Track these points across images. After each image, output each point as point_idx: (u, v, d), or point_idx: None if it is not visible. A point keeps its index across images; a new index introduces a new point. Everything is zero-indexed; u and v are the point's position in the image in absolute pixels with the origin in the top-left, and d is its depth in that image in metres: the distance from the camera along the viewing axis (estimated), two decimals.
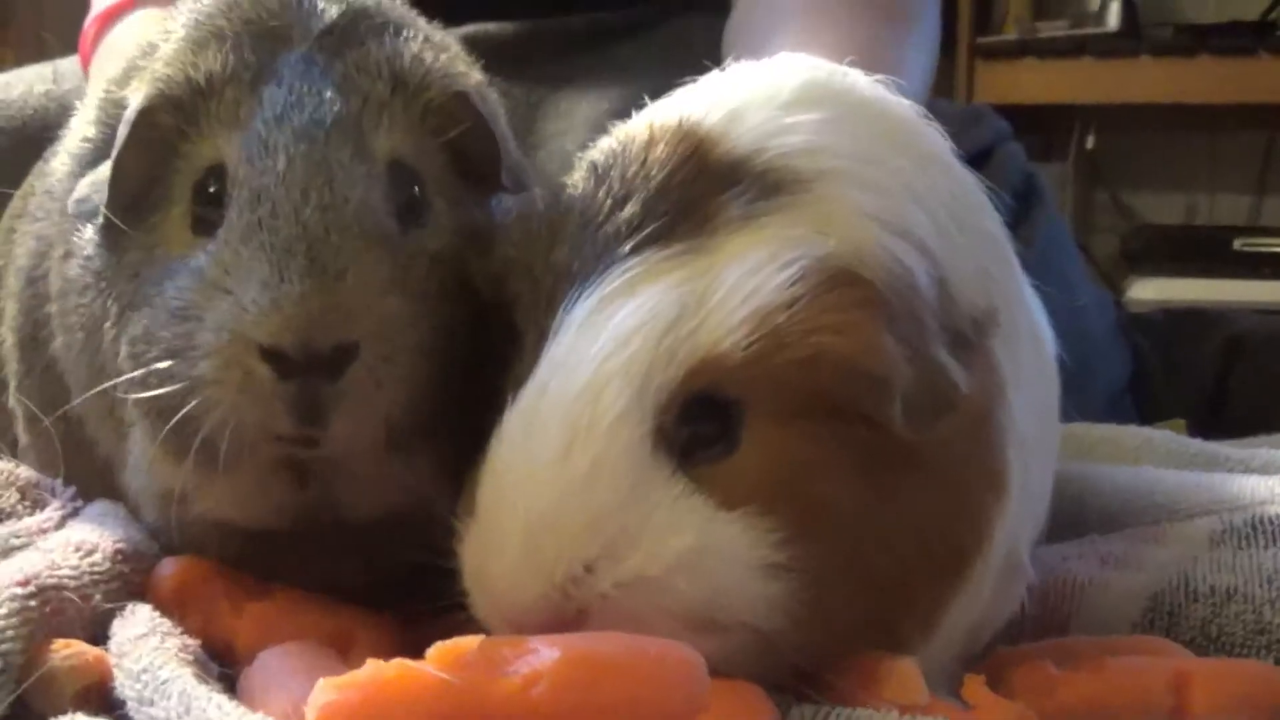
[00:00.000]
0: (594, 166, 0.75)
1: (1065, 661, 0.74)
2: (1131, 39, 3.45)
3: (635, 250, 0.70)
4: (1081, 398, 1.51)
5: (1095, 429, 1.22)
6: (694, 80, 0.83)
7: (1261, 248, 3.37)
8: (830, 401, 0.67)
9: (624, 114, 0.83)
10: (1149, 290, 3.24)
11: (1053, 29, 3.56)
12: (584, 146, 1.45)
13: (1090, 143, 3.65)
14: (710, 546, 0.67)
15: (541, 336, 0.70)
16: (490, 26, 1.54)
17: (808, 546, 0.67)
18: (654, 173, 0.72)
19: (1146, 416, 1.61)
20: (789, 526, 0.67)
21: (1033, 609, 0.85)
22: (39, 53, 2.78)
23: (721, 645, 0.66)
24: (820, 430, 0.68)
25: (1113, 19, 3.49)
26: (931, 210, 0.73)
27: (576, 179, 0.76)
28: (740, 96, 0.76)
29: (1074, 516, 1.01)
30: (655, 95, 0.86)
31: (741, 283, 0.67)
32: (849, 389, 0.67)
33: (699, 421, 0.68)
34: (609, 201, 0.72)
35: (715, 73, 0.82)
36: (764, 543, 0.67)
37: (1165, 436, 1.21)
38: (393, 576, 0.84)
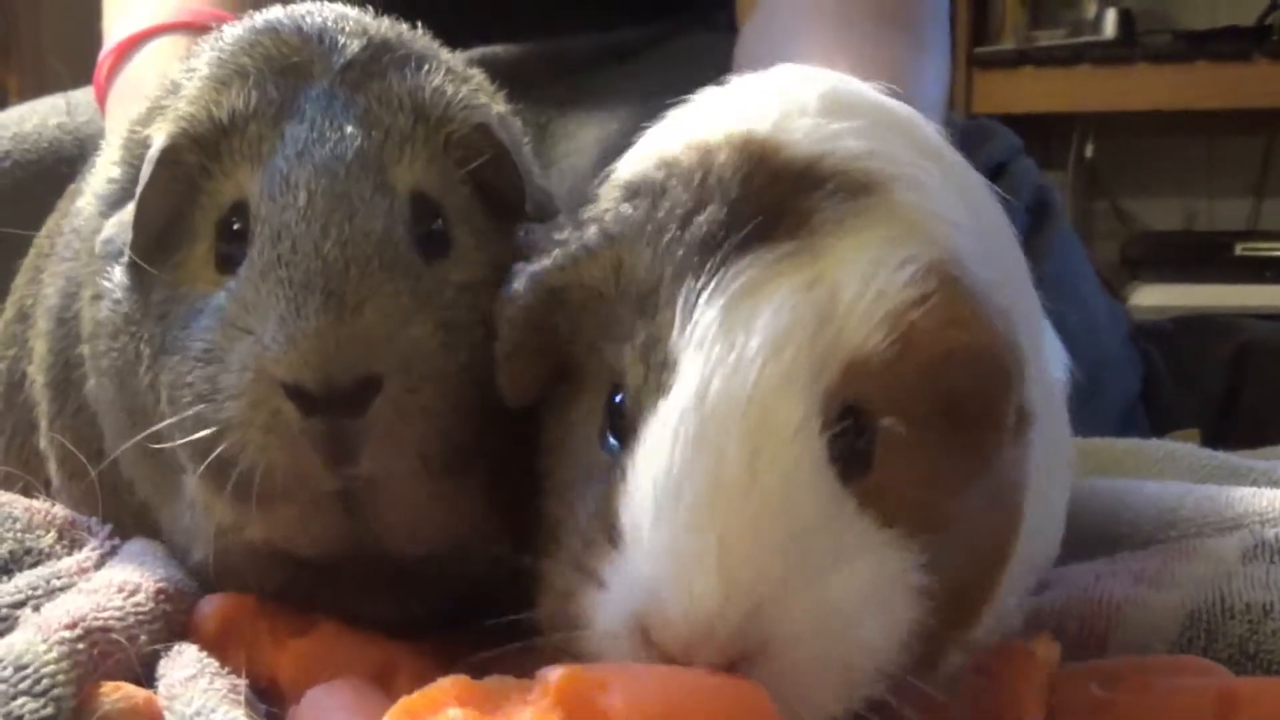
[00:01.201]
0: (640, 185, 0.74)
1: (1108, 683, 0.75)
2: (1128, 46, 3.46)
3: (740, 252, 0.67)
4: (1096, 410, 1.53)
5: (1118, 443, 1.22)
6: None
7: (1262, 252, 3.38)
8: (953, 404, 0.66)
9: (633, 134, 0.83)
10: (1151, 297, 3.24)
11: (1050, 38, 3.58)
12: (594, 166, 1.47)
13: (1089, 151, 3.66)
14: (884, 572, 0.64)
15: (650, 349, 0.67)
16: (498, 49, 1.55)
17: (939, 567, 0.66)
18: (728, 177, 0.70)
19: (1158, 426, 1.62)
20: (929, 548, 0.65)
21: (1070, 628, 0.86)
22: (40, 78, 2.79)
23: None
24: (943, 439, 0.67)
25: (1109, 27, 3.50)
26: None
27: (613, 200, 0.75)
28: (771, 106, 0.75)
29: (1103, 532, 1.01)
30: (663, 115, 0.86)
31: (866, 285, 0.66)
32: (978, 384, 0.66)
33: (848, 433, 0.65)
34: (680, 210, 0.70)
35: (714, 89, 0.82)
36: (913, 566, 0.65)
37: (1187, 449, 1.21)
38: (434, 609, 0.84)
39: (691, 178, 0.71)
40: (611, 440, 0.69)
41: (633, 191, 0.74)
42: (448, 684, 0.63)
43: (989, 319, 0.67)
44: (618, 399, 0.69)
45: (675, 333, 0.66)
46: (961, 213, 0.73)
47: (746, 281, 0.66)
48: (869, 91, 0.80)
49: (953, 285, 0.67)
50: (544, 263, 0.74)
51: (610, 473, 0.67)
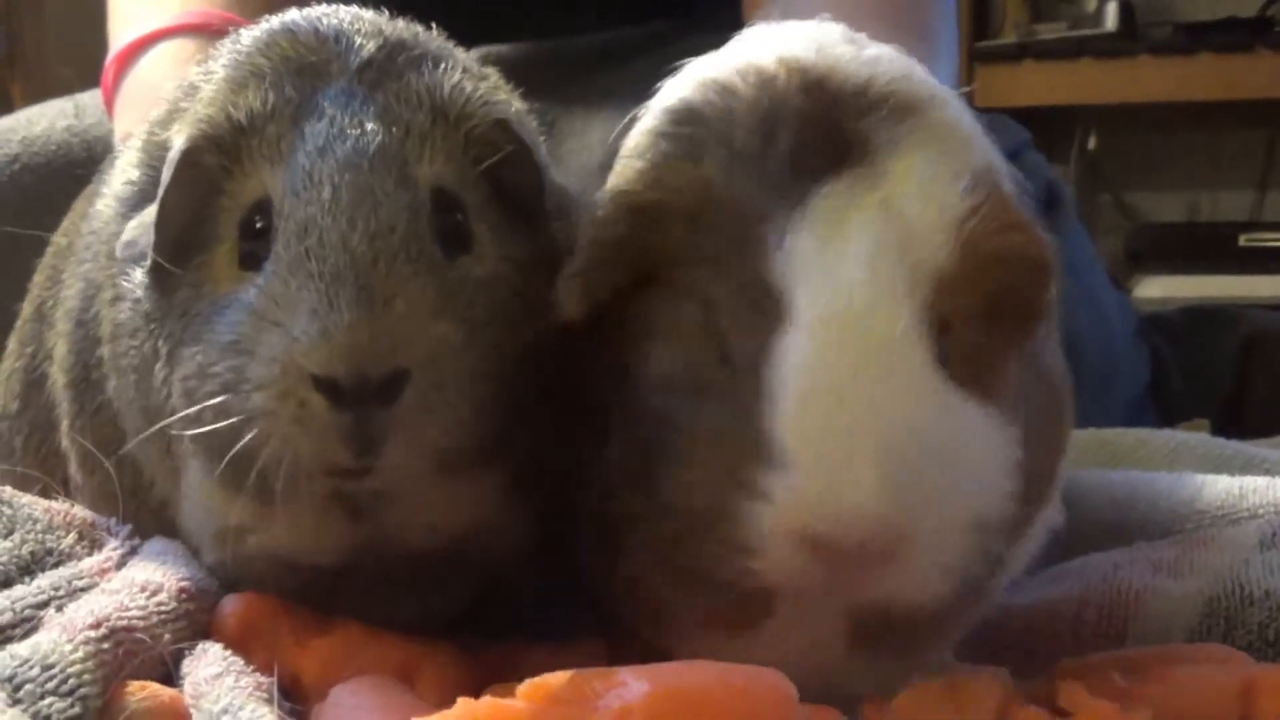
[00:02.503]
0: (699, 110, 0.76)
1: (1130, 672, 0.75)
2: (1130, 39, 3.46)
3: (816, 180, 0.72)
4: (1106, 402, 1.53)
5: (1129, 434, 1.22)
6: None
7: (1265, 243, 3.38)
8: (1008, 298, 0.74)
9: None
10: (1154, 289, 3.25)
11: (1051, 31, 3.57)
12: (601, 165, 1.47)
13: (1091, 144, 3.66)
14: (998, 449, 0.72)
15: (751, 277, 0.71)
16: (502, 48, 1.55)
17: (1024, 444, 0.73)
18: (792, 103, 0.74)
19: (1167, 417, 1.62)
20: (1016, 425, 0.73)
21: (1089, 617, 0.86)
22: (45, 84, 2.79)
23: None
24: (999, 328, 0.74)
25: (1110, 20, 3.50)
26: None
27: (667, 124, 0.77)
28: (808, 37, 0.79)
29: (1120, 523, 1.01)
30: None
31: (929, 201, 0.72)
32: (1028, 280, 0.74)
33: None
34: (754, 138, 0.73)
35: (740, 34, 0.85)
36: (1014, 441, 0.73)
37: (1199, 439, 1.21)
38: (455, 606, 0.84)
39: (757, 104, 0.74)
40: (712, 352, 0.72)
41: (691, 117, 0.76)
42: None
43: (1031, 221, 0.75)
44: (720, 321, 0.72)
45: (777, 263, 0.70)
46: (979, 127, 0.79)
47: (830, 213, 0.71)
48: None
49: (999, 193, 0.74)
50: (629, 182, 0.76)
51: (736, 391, 0.70)
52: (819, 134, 0.73)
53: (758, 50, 0.78)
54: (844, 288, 0.69)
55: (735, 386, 0.70)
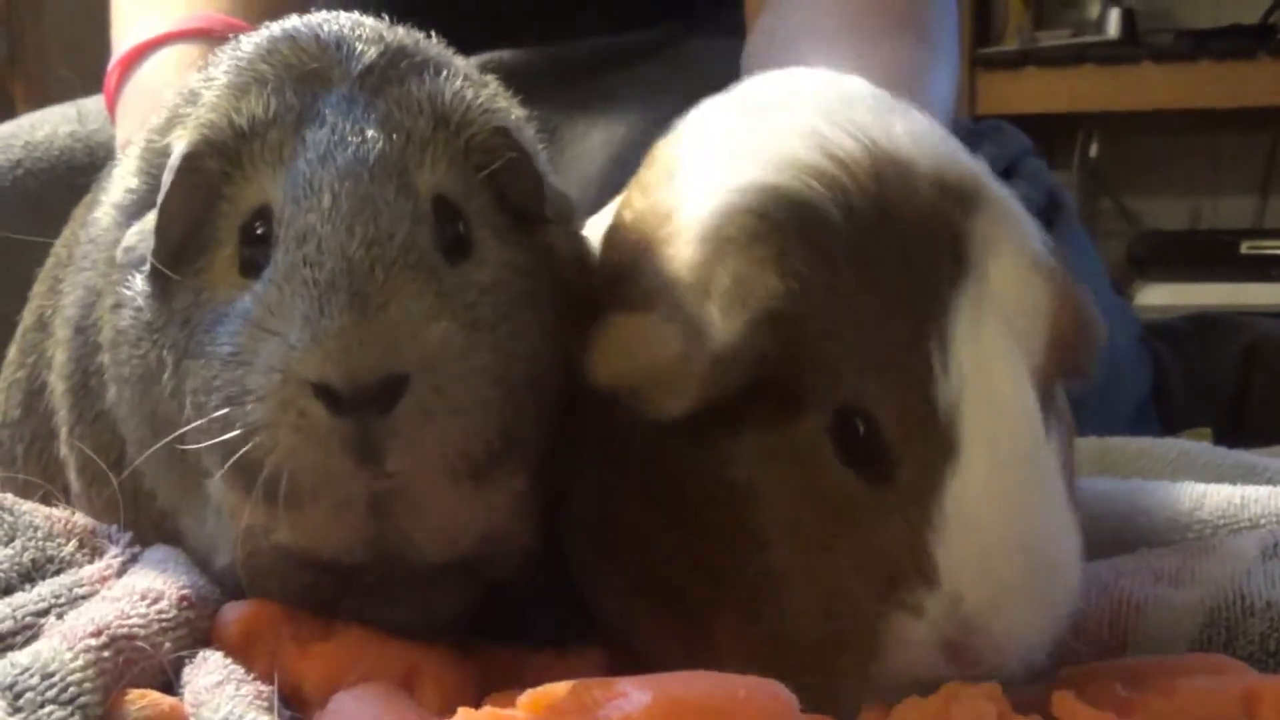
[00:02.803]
0: (788, 197, 0.73)
1: (1132, 682, 0.74)
2: (1132, 46, 3.46)
3: (950, 287, 0.71)
4: (1109, 409, 1.52)
5: (1132, 442, 1.22)
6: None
7: (1267, 250, 3.38)
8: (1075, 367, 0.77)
9: (639, 137, 0.84)
10: (1156, 296, 3.24)
11: (1053, 38, 3.58)
12: (602, 171, 1.47)
13: (1093, 150, 3.66)
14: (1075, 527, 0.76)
15: (919, 397, 0.70)
16: (503, 54, 1.55)
17: None
18: (912, 204, 0.73)
19: (1169, 425, 1.62)
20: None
21: (1090, 627, 0.86)
22: (46, 88, 2.79)
23: None
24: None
25: (1112, 27, 3.50)
26: None
27: (757, 219, 0.74)
28: (865, 109, 0.78)
29: (1121, 531, 1.01)
30: (670, 118, 0.87)
31: (1026, 300, 0.73)
32: (1086, 352, 0.77)
33: None
34: (867, 235, 0.72)
35: (756, 88, 0.85)
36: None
37: (1201, 448, 1.21)
38: (459, 613, 0.84)
39: (877, 204, 0.73)
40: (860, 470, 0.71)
41: (809, 217, 0.73)
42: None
43: (1082, 293, 0.77)
44: (858, 427, 0.71)
45: (940, 384, 0.70)
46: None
47: (970, 323, 0.71)
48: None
49: (1061, 273, 0.75)
50: (762, 293, 0.72)
51: (886, 508, 0.70)
52: (936, 236, 0.72)
53: (837, 127, 0.76)
54: (1002, 407, 0.71)
55: (886, 504, 0.70)
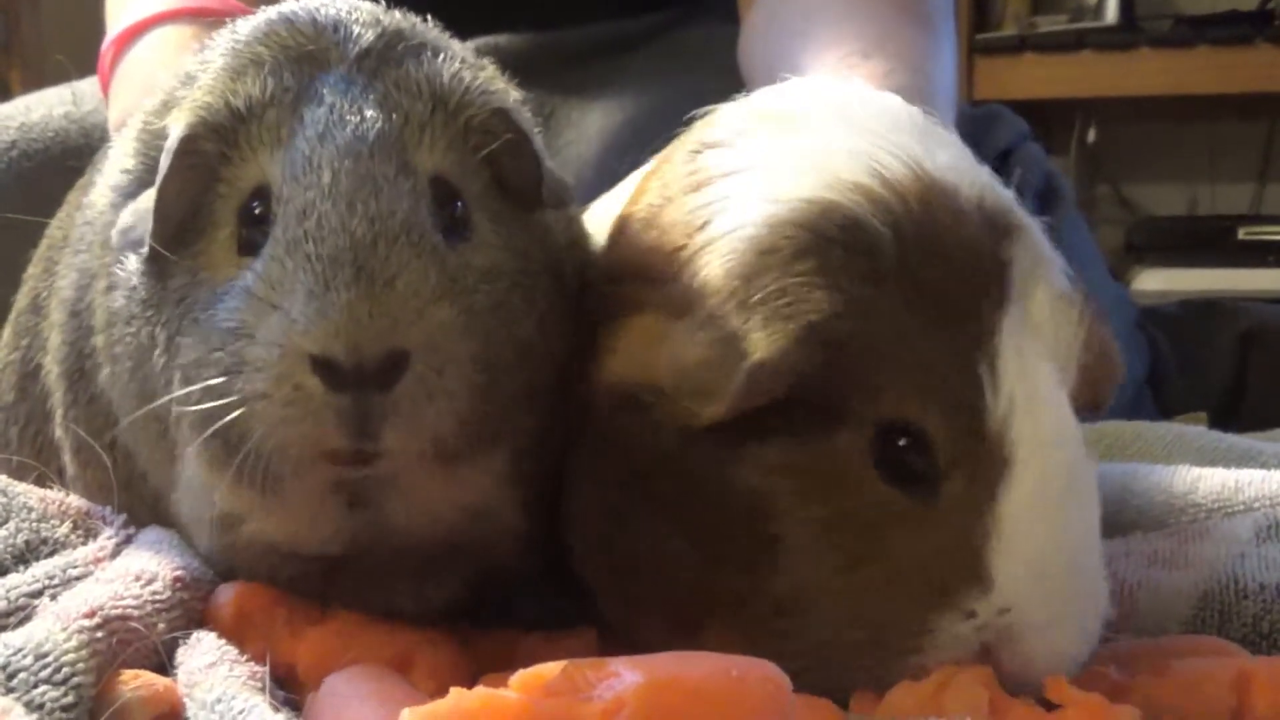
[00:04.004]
0: (862, 220, 0.73)
1: (1126, 665, 0.75)
2: (1130, 32, 3.45)
3: (995, 309, 0.73)
4: None
5: (1127, 427, 1.22)
6: (705, 87, 0.86)
7: (1264, 236, 3.37)
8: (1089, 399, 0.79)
9: (635, 123, 0.84)
10: (1154, 282, 3.24)
11: (1051, 24, 3.57)
12: (597, 156, 1.47)
13: (1091, 136, 3.65)
14: None
15: (972, 415, 0.71)
16: (500, 39, 1.55)
17: None
18: (943, 223, 0.74)
19: (1164, 410, 1.62)
20: None
21: None
22: (42, 72, 2.78)
23: None
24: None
25: (1111, 12, 3.49)
26: None
27: (805, 235, 0.74)
28: (903, 134, 0.78)
29: (1114, 517, 1.01)
30: (666, 103, 0.87)
31: (1063, 326, 0.75)
32: (1107, 382, 0.80)
33: None
34: (913, 257, 0.73)
35: (789, 98, 0.85)
36: None
37: (1196, 432, 1.21)
38: (451, 598, 0.84)
39: (911, 216, 0.74)
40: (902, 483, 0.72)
41: (857, 234, 0.73)
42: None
43: (1104, 323, 0.79)
44: (901, 441, 0.72)
45: (991, 401, 0.72)
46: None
47: (1017, 344, 0.73)
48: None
49: (1086, 301, 0.77)
50: (812, 309, 0.71)
51: (933, 519, 0.71)
52: (981, 263, 0.74)
53: (882, 149, 0.77)
54: (1048, 425, 0.73)
55: (933, 515, 0.71)
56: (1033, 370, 0.73)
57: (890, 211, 0.73)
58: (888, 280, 0.72)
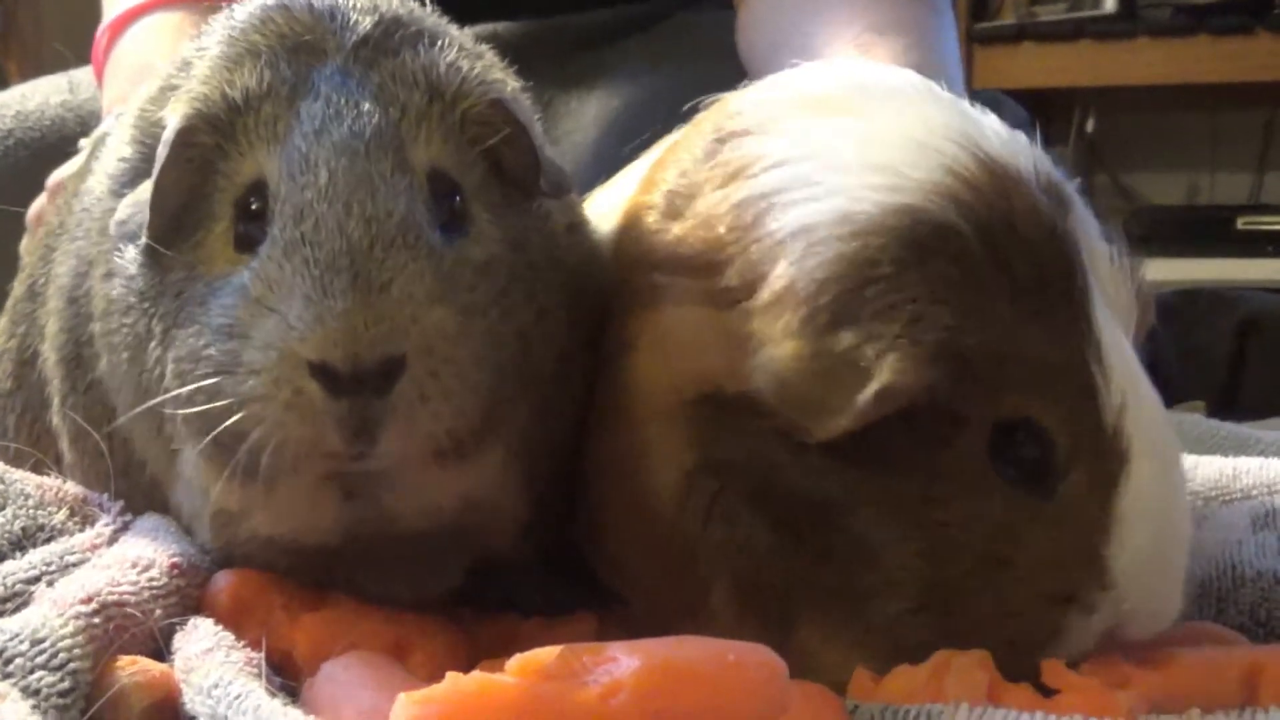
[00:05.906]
0: (955, 226, 0.72)
1: (1132, 653, 0.74)
2: (1129, 20, 3.44)
3: (1085, 304, 0.72)
4: None
5: None
6: (705, 73, 0.85)
7: (1264, 226, 3.37)
8: None
9: (634, 110, 0.82)
10: (1153, 271, 3.17)
11: (1050, 13, 3.56)
12: (596, 143, 1.47)
13: (1090, 125, 3.65)
14: None
15: (1093, 419, 0.71)
16: (498, 27, 1.54)
17: None
18: (1030, 214, 0.73)
19: (1163, 398, 1.61)
20: None
21: None
22: (39, 61, 2.78)
23: None
24: None
25: (1110, 1, 3.49)
26: None
27: (895, 242, 0.72)
28: (955, 117, 0.77)
29: None
30: (664, 91, 0.86)
31: (1123, 288, 0.76)
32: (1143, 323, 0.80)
33: None
34: (1028, 266, 0.72)
35: (823, 83, 0.83)
36: None
37: (1194, 420, 1.21)
38: (445, 584, 0.84)
39: (988, 206, 0.72)
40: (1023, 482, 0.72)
41: (954, 242, 0.72)
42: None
43: None
44: (1020, 440, 0.72)
45: (1107, 405, 0.72)
46: None
47: (1115, 338, 0.73)
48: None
49: (1133, 260, 0.78)
50: (936, 329, 0.70)
51: (1055, 518, 0.72)
52: (1057, 243, 0.73)
53: (941, 136, 0.75)
54: (1154, 415, 0.74)
55: (1054, 513, 0.72)
56: (1127, 356, 0.73)
57: (971, 208, 0.72)
58: (987, 281, 0.71)
